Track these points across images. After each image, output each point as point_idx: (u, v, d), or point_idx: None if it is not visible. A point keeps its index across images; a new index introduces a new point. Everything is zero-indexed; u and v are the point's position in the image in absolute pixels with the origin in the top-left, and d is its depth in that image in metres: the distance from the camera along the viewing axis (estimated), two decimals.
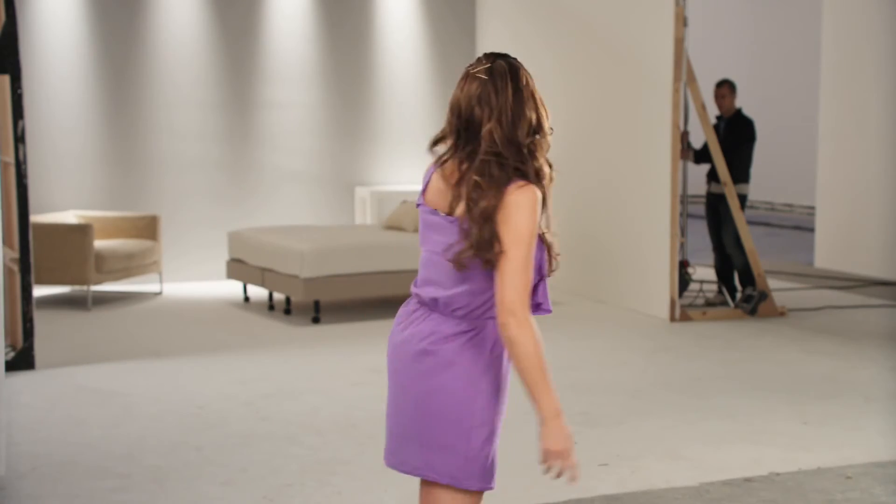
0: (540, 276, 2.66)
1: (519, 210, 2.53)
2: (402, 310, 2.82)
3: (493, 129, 2.57)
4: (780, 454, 5.00)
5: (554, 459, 2.55)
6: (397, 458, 2.77)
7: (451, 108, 2.68)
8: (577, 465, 2.58)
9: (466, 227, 2.57)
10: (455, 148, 2.68)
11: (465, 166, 2.63)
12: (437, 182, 2.74)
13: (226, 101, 10.22)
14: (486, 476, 2.70)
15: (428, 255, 2.74)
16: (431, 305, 2.70)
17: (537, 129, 2.62)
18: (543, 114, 2.64)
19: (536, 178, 2.59)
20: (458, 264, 2.59)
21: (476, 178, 2.57)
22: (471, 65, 2.70)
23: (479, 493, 2.72)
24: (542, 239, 2.66)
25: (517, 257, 2.52)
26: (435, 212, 2.70)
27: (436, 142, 2.76)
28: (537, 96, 2.65)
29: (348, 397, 6.02)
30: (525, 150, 2.59)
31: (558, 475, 2.57)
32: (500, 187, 2.55)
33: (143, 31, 9.92)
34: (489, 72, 2.62)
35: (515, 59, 2.70)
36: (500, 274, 2.53)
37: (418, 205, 2.79)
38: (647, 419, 5.55)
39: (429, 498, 2.76)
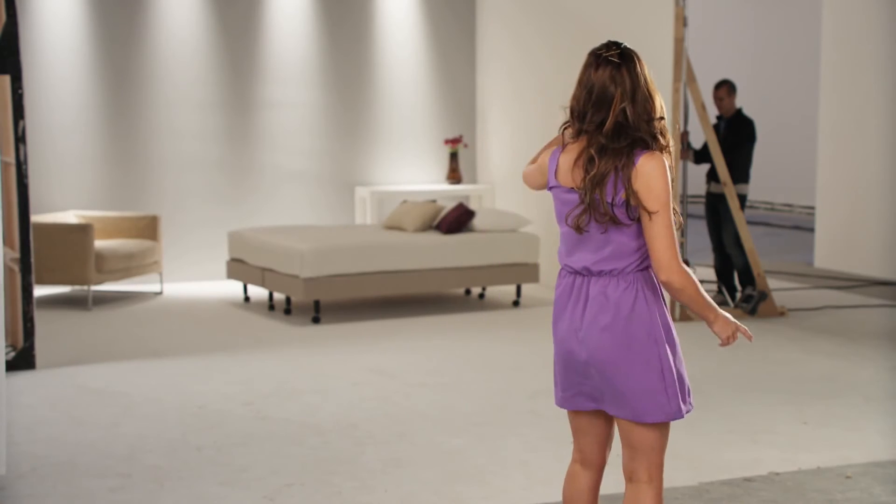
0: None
1: (656, 176, 2.90)
2: None
3: (626, 107, 2.93)
4: (780, 454, 5.00)
5: (729, 339, 3.04)
6: None
7: (583, 88, 3.00)
8: (746, 329, 3.07)
9: (582, 194, 2.95)
10: (579, 129, 3.00)
11: (591, 140, 2.97)
12: (565, 162, 3.04)
13: (226, 100, 10.23)
14: None
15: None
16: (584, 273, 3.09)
17: (661, 112, 3.00)
18: (658, 101, 3.01)
19: (661, 151, 2.96)
20: (577, 228, 2.99)
21: (592, 151, 2.94)
22: (598, 48, 3.03)
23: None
24: None
25: (664, 217, 2.91)
26: (570, 190, 3.03)
27: (567, 124, 3.06)
28: (654, 85, 3.02)
29: (348, 397, 6.02)
30: (656, 128, 2.96)
31: (732, 340, 3.05)
32: (628, 156, 2.91)
33: (143, 31, 9.93)
34: (622, 56, 2.98)
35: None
36: (651, 236, 2.92)
37: (551, 188, 3.09)
38: None
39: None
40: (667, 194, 2.91)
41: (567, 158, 3.03)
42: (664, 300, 3.10)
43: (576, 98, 3.01)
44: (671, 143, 3.01)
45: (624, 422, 3.06)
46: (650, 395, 3.00)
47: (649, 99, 2.97)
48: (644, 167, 2.90)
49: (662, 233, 2.91)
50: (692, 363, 6.90)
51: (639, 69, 2.99)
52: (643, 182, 2.90)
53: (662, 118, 3.00)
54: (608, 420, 3.19)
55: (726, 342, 3.05)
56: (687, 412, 3.05)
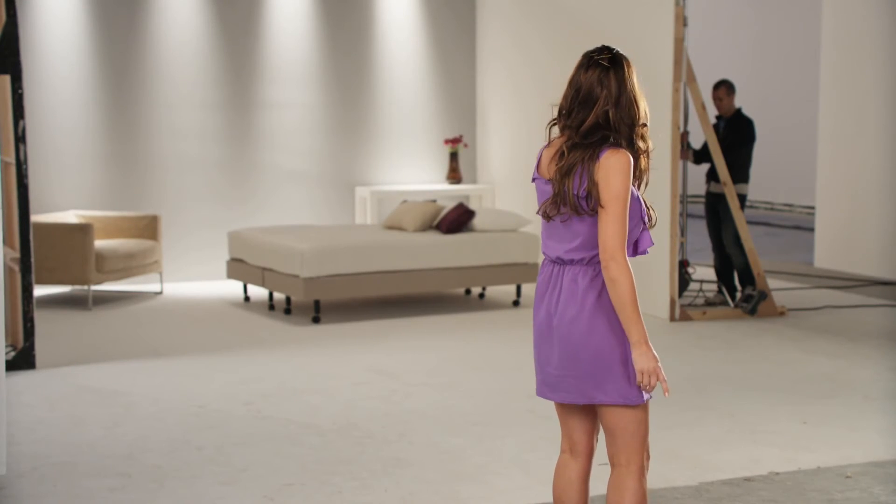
0: (643, 226, 3.19)
1: (616, 170, 3.02)
2: None
3: (609, 110, 3.07)
4: (780, 454, 5.00)
5: (644, 376, 3.06)
6: None
7: (572, 87, 3.13)
8: (665, 380, 3.10)
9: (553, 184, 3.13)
10: (563, 126, 3.15)
11: (569, 137, 3.12)
12: (546, 156, 3.21)
13: (226, 100, 10.23)
14: None
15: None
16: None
17: (645, 119, 3.13)
18: (643, 107, 3.13)
19: (634, 153, 3.10)
20: (545, 216, 3.18)
21: (565, 146, 3.09)
22: (591, 51, 3.15)
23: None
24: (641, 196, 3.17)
25: (616, 210, 3.02)
26: (548, 181, 3.19)
27: (553, 122, 3.21)
28: (640, 92, 3.13)
29: (348, 397, 6.02)
30: (635, 132, 3.09)
31: (650, 389, 3.08)
32: (595, 150, 3.05)
33: (143, 31, 9.93)
34: (612, 60, 3.10)
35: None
36: (601, 225, 3.04)
37: (533, 179, 3.27)
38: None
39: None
40: (622, 189, 3.02)
41: (548, 153, 3.20)
42: None
43: (565, 96, 3.15)
44: (650, 147, 3.16)
45: (600, 407, 3.20)
46: (612, 380, 3.12)
47: (633, 104, 3.10)
48: (606, 161, 3.04)
49: (613, 222, 3.03)
50: (692, 363, 6.90)
51: (626, 74, 3.10)
52: (603, 174, 3.03)
53: (645, 125, 3.14)
54: (592, 407, 3.29)
55: (641, 378, 3.07)
56: (645, 400, 3.16)
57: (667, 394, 3.15)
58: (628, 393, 3.12)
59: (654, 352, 3.08)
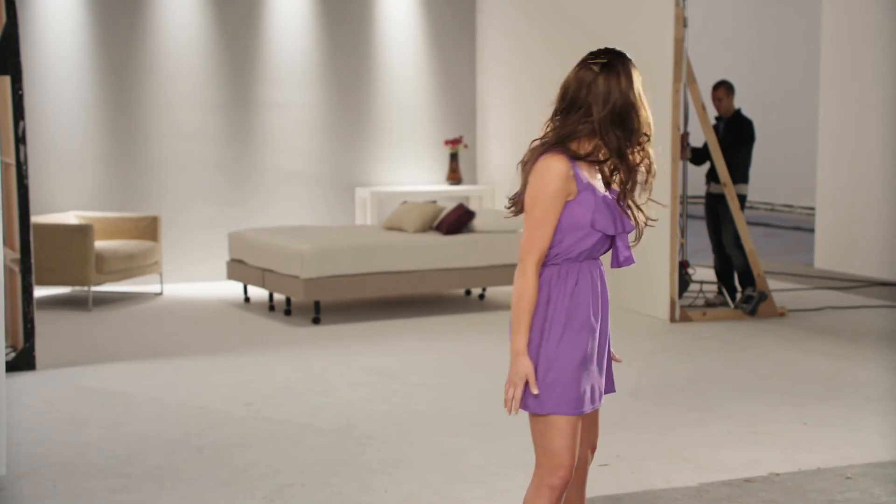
0: (601, 233, 3.01)
1: (540, 177, 2.96)
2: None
3: (593, 115, 2.95)
4: (780, 454, 5.00)
5: (507, 385, 2.98)
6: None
7: (562, 87, 3.07)
8: (518, 399, 2.97)
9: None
10: (551, 127, 3.08)
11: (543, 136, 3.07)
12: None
13: (226, 101, 10.23)
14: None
15: None
16: None
17: (647, 129, 3.01)
18: (643, 117, 2.99)
19: (616, 166, 3.00)
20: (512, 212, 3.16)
21: (531, 145, 3.05)
22: (591, 53, 3.06)
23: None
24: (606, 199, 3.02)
25: (530, 216, 2.99)
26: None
27: (548, 121, 3.13)
28: (641, 100, 3.00)
29: (348, 397, 6.02)
30: (628, 142, 2.97)
31: (507, 400, 2.97)
32: (535, 155, 3.00)
33: (143, 31, 9.93)
34: (605, 64, 2.99)
35: (631, 61, 3.03)
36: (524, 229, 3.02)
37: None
38: (647, 420, 5.55)
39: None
40: (540, 195, 2.96)
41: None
42: (572, 298, 3.03)
43: (557, 98, 3.10)
44: (651, 160, 3.04)
45: None
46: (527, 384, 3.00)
47: (628, 112, 2.96)
48: (538, 166, 2.99)
49: (526, 227, 3.01)
50: (692, 364, 6.90)
51: (620, 79, 2.96)
52: (531, 179, 3.01)
53: (646, 136, 3.01)
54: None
55: (507, 392, 2.96)
56: (549, 412, 2.97)
57: (509, 413, 2.98)
58: (527, 399, 3.00)
59: (528, 368, 2.95)
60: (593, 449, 3.26)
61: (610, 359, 3.20)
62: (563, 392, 2.98)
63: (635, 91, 2.99)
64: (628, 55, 3.04)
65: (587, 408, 3.02)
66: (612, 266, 3.12)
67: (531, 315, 2.98)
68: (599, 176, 3.09)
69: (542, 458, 3.03)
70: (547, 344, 2.99)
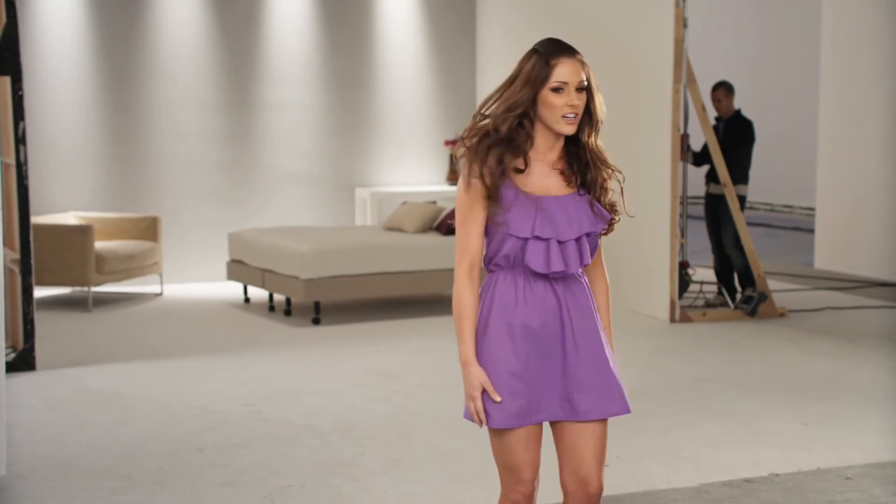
0: (517, 238, 2.83)
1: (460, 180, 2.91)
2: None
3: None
4: (780, 455, 5.00)
5: (466, 399, 2.86)
6: None
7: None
8: (481, 411, 2.83)
9: None
10: None
11: None
12: None
13: (226, 101, 10.23)
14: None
15: None
16: None
17: (490, 107, 3.05)
18: (503, 96, 3.04)
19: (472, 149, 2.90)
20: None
21: None
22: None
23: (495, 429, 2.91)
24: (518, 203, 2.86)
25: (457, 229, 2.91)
26: None
27: None
28: (518, 81, 3.07)
29: (348, 398, 6.02)
30: (497, 119, 2.98)
31: (472, 414, 2.84)
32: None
33: (143, 31, 9.93)
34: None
35: (542, 45, 3.06)
36: None
37: None
38: (648, 420, 5.55)
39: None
40: (456, 205, 2.89)
41: None
42: (508, 306, 2.87)
43: None
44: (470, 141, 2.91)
45: None
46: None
47: (502, 88, 3.07)
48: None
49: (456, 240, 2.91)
50: (692, 364, 6.90)
51: (521, 61, 3.07)
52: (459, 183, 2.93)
53: (486, 115, 2.99)
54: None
55: (468, 407, 2.83)
56: (491, 425, 2.84)
57: (480, 426, 2.85)
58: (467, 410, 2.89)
59: (482, 376, 2.82)
60: (582, 483, 3.01)
61: (606, 378, 2.91)
62: (490, 404, 2.83)
63: (525, 73, 3.10)
64: (554, 42, 3.05)
65: (519, 422, 2.82)
66: (541, 272, 2.85)
67: (470, 322, 2.85)
68: (559, 175, 2.92)
69: (500, 472, 2.93)
70: (479, 354, 2.86)
